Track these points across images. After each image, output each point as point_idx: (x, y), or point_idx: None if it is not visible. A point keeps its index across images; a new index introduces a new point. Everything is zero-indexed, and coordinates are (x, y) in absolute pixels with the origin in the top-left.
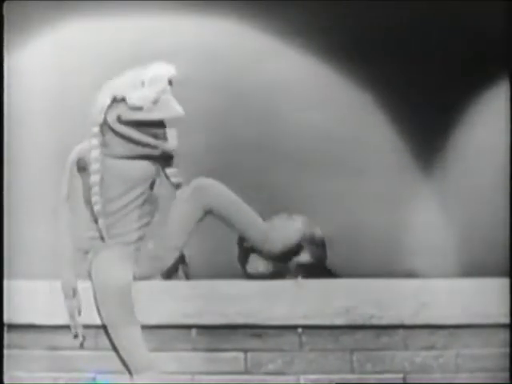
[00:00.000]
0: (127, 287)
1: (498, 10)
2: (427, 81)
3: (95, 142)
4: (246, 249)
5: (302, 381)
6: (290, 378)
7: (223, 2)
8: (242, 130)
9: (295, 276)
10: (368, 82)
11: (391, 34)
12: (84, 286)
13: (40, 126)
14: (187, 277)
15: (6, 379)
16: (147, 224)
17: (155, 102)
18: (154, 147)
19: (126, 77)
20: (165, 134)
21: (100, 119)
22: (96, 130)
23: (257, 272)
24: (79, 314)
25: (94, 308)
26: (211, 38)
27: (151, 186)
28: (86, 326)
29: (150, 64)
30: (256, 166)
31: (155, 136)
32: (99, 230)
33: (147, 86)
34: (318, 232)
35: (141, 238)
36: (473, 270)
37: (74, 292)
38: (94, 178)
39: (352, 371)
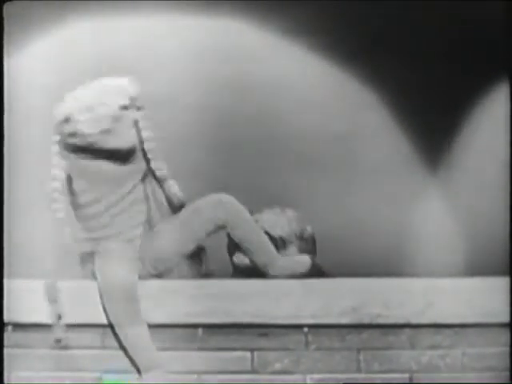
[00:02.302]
0: (133, 286)
1: (498, 9)
2: (430, 80)
3: (55, 148)
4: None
5: (308, 380)
6: (297, 378)
7: (224, 1)
8: (244, 128)
9: None
10: (370, 81)
11: (393, 34)
12: (89, 286)
13: (40, 127)
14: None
15: (11, 379)
16: (147, 220)
17: (107, 131)
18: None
19: (86, 95)
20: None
21: (59, 130)
22: (57, 137)
23: (243, 263)
24: (60, 318)
25: (100, 307)
26: (213, 38)
27: (143, 180)
28: (93, 325)
29: (113, 80)
30: (256, 166)
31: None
32: (100, 231)
33: (99, 112)
34: (309, 228)
35: (144, 234)
36: (478, 268)
37: (56, 297)
38: (54, 184)
39: (359, 370)
